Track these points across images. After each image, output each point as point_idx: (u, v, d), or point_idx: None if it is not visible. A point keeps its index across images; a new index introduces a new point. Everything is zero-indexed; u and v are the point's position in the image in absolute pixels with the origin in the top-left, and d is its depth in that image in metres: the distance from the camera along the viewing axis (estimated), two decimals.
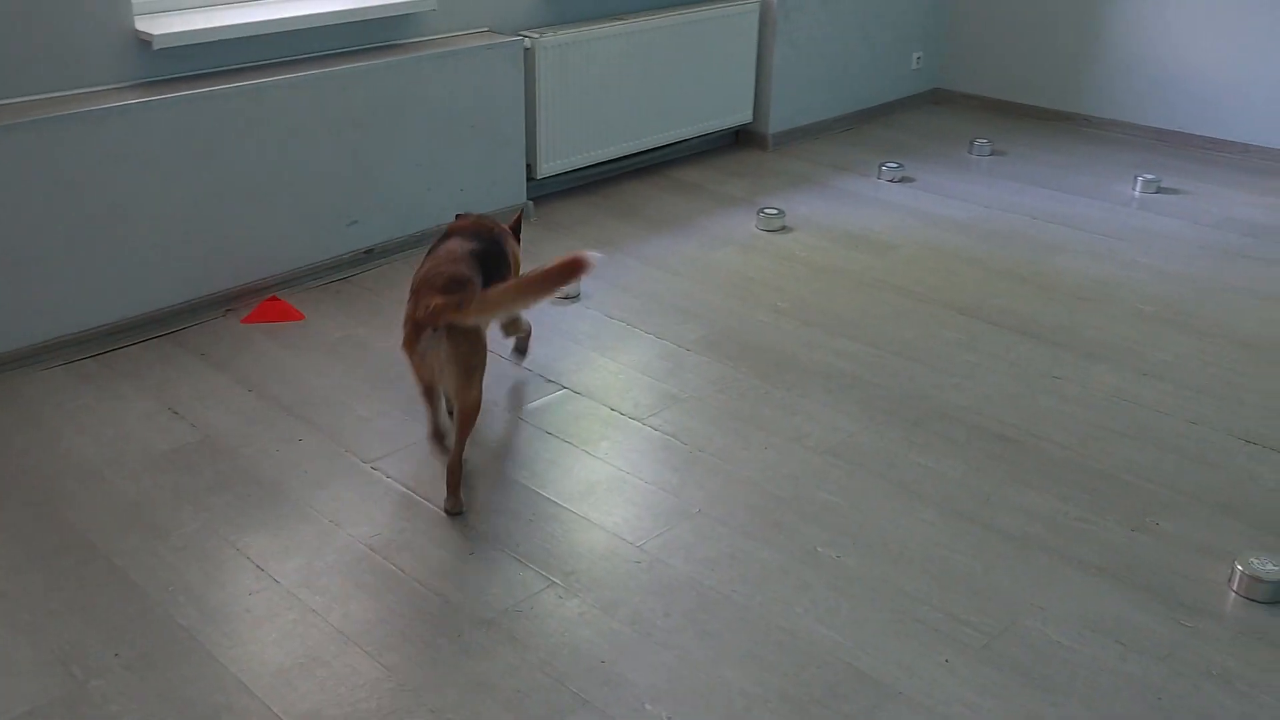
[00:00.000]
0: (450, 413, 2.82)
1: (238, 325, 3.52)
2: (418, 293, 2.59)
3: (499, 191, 4.25)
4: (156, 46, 3.32)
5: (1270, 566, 2.39)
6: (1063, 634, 2.28)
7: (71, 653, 2.19)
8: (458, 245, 2.75)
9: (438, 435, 2.76)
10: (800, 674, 2.16)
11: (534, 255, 4.02)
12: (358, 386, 3.17)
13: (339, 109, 3.70)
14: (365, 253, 3.92)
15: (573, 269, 2.47)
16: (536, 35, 4.23)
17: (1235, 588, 2.40)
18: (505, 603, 2.34)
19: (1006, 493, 2.74)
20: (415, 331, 2.55)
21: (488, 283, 2.67)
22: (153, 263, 3.40)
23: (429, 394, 2.71)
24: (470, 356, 2.57)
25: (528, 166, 4.36)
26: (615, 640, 2.24)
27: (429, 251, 2.82)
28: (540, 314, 3.58)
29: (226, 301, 3.60)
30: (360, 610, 2.32)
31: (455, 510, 2.65)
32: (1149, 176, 4.83)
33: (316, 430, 2.95)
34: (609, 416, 3.05)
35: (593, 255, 2.46)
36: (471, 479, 2.76)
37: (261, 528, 2.57)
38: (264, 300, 3.61)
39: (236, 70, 3.58)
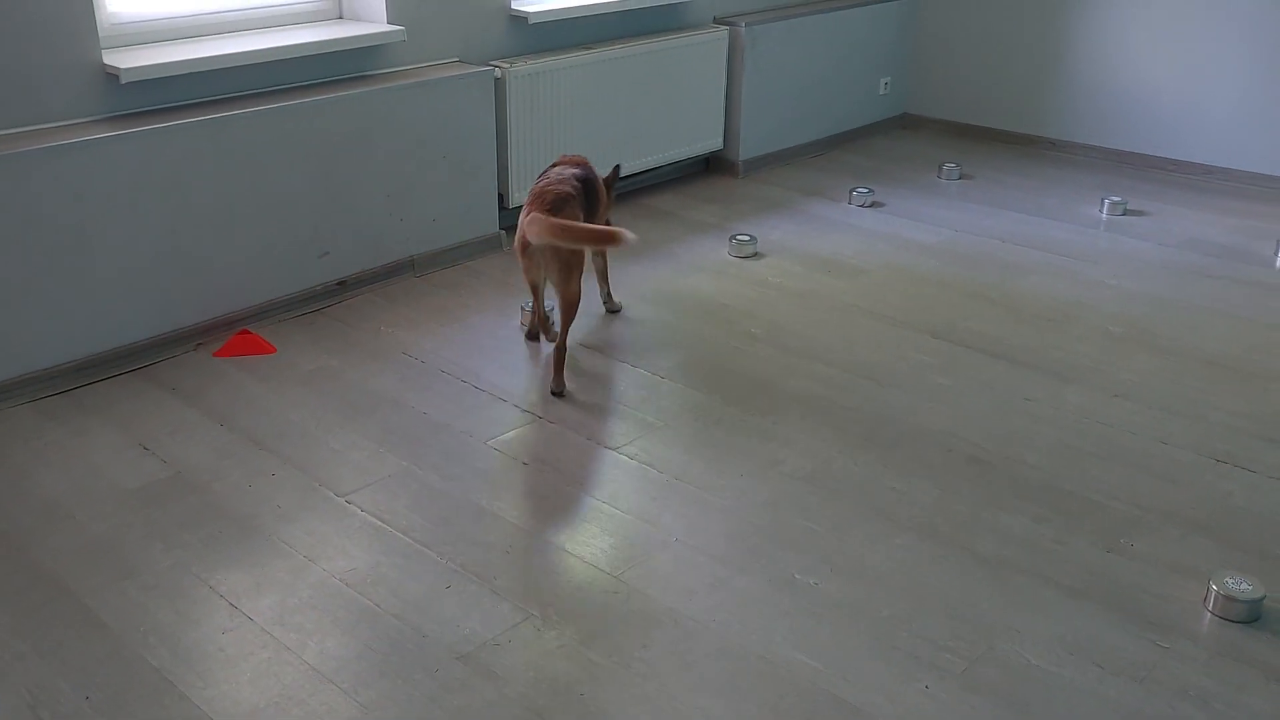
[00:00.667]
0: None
1: (209, 359, 3.49)
2: (531, 205, 3.14)
3: (471, 220, 4.25)
4: (124, 80, 3.31)
5: (1245, 586, 2.40)
6: (1040, 657, 2.29)
7: (40, 696, 2.15)
8: (564, 170, 3.33)
9: (534, 335, 3.47)
10: (780, 703, 2.15)
11: (509, 282, 4.02)
12: (331, 419, 3.15)
13: (309, 140, 3.69)
14: (338, 284, 3.90)
15: (611, 238, 3.09)
16: (507, 65, 4.24)
17: (1210, 608, 2.42)
18: (483, 636, 2.32)
19: (981, 515, 2.75)
20: (525, 239, 3.14)
21: (588, 203, 3.32)
22: (122, 297, 3.37)
23: (534, 293, 3.39)
24: (569, 258, 3.17)
25: (500, 195, 4.36)
26: (594, 672, 2.23)
27: (541, 175, 3.37)
28: (512, 343, 3.57)
29: (197, 335, 3.57)
30: (335, 647, 2.29)
31: (559, 390, 3.24)
32: (1115, 199, 4.89)
33: (289, 464, 2.93)
34: (584, 446, 3.04)
35: (630, 235, 3.06)
36: (445, 510, 2.74)
37: (234, 564, 2.54)
38: (235, 333, 3.58)
39: (205, 103, 3.56)
